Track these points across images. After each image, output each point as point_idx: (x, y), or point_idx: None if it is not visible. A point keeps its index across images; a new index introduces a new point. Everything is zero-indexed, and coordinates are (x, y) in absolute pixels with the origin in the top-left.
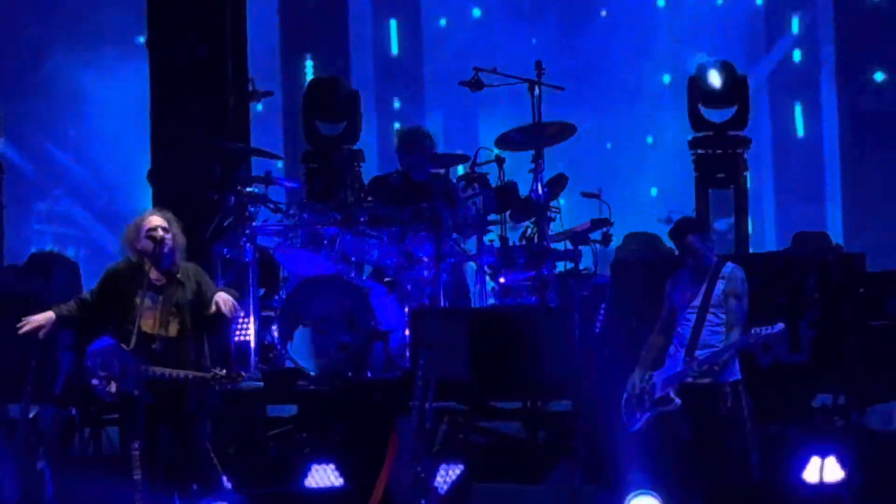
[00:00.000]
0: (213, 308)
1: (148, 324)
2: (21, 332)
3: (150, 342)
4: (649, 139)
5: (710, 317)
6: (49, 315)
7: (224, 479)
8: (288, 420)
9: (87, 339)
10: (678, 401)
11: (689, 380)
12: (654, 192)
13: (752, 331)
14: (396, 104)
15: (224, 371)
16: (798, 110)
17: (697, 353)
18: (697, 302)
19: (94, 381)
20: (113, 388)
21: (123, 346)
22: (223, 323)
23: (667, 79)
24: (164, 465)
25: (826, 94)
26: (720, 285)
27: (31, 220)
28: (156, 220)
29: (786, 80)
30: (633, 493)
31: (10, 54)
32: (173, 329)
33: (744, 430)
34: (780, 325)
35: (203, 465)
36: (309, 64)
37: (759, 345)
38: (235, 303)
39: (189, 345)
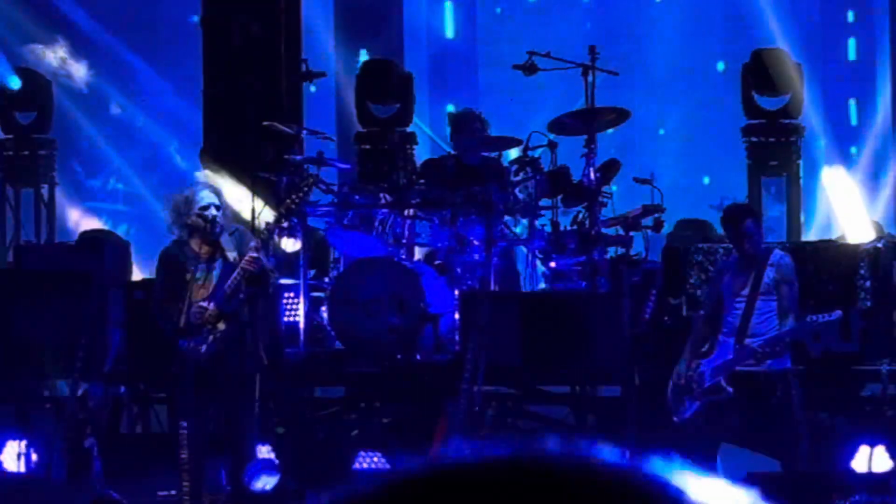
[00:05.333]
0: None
1: (202, 294)
2: None
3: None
4: (701, 126)
5: (759, 304)
6: None
7: (267, 451)
8: (335, 401)
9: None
10: (730, 389)
11: (739, 368)
12: (706, 180)
13: (809, 318)
14: (449, 88)
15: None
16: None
17: (747, 341)
18: (746, 290)
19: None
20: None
21: (176, 323)
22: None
23: (721, 66)
24: (209, 440)
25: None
26: (769, 273)
27: (84, 197)
28: (208, 198)
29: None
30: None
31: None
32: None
33: (794, 420)
34: (838, 313)
35: (239, 436)
36: (363, 48)
37: (814, 332)
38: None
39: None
